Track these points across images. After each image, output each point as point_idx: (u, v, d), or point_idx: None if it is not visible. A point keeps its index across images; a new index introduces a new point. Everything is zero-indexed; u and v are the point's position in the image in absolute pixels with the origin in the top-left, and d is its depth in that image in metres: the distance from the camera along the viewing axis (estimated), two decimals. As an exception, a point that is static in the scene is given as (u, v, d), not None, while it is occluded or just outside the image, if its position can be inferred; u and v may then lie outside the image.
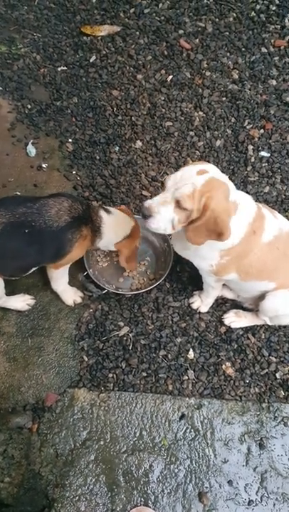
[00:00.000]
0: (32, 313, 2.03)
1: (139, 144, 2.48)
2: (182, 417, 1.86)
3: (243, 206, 1.58)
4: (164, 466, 1.79)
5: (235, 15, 2.88)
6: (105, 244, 1.90)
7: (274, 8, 2.92)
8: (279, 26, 2.85)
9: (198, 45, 2.77)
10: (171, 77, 2.67)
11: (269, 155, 2.46)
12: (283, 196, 2.36)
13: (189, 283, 2.13)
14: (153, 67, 2.71)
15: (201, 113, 2.58)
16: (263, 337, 2.03)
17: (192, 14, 2.88)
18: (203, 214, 1.44)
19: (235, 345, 2.01)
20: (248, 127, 2.54)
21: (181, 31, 2.81)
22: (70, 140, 2.49)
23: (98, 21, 2.85)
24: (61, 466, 1.76)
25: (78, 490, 1.73)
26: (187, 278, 2.14)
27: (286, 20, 2.87)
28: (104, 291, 2.05)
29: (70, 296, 2.03)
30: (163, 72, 2.69)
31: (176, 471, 1.79)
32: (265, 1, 2.94)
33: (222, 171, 2.38)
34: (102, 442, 1.81)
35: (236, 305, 2.10)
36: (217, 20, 2.86)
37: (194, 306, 2.05)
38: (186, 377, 1.93)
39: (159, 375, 1.92)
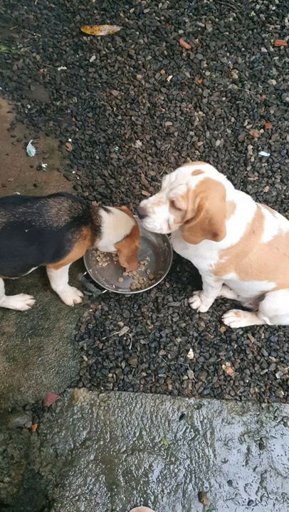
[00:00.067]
0: (32, 313, 2.03)
1: (138, 143, 2.48)
2: (182, 416, 1.86)
3: (241, 206, 1.58)
4: (164, 466, 1.79)
5: (235, 15, 2.88)
6: (105, 245, 1.90)
7: (274, 8, 2.92)
8: (279, 26, 2.85)
9: (198, 45, 2.77)
10: (171, 77, 2.67)
11: (269, 155, 2.46)
12: (283, 196, 2.36)
13: (189, 283, 2.13)
14: (153, 67, 2.71)
15: (200, 113, 2.58)
16: (262, 337, 2.03)
17: (192, 14, 2.88)
18: (198, 214, 1.44)
19: (235, 345, 2.01)
20: (247, 127, 2.54)
21: (180, 31, 2.81)
22: (69, 140, 2.49)
23: (98, 21, 2.85)
24: (61, 466, 1.76)
25: (78, 490, 1.73)
26: (187, 278, 2.14)
27: (286, 20, 2.87)
28: (104, 291, 2.05)
29: (70, 296, 2.03)
30: (163, 72, 2.69)
31: (175, 471, 1.79)
32: (264, 1, 2.94)
33: (222, 171, 2.41)
34: (101, 442, 1.81)
35: (236, 305, 2.10)
36: (217, 20, 2.86)
37: (194, 305, 2.05)
38: (186, 377, 1.93)
39: (159, 375, 1.92)
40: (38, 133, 2.50)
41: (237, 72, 2.70)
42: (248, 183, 2.38)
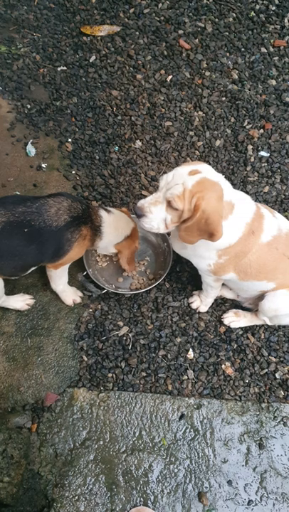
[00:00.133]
0: (31, 313, 2.03)
1: (138, 143, 2.48)
2: (182, 416, 1.86)
3: (240, 206, 1.58)
4: (164, 466, 1.79)
5: (234, 15, 2.89)
6: (105, 245, 1.90)
7: (273, 8, 2.92)
8: (278, 26, 2.85)
9: (197, 45, 2.77)
10: (170, 77, 2.67)
11: (268, 155, 2.47)
12: (283, 196, 2.36)
13: (189, 283, 2.13)
14: (152, 67, 2.71)
15: (200, 113, 2.58)
16: (262, 337, 2.03)
17: (192, 14, 2.88)
18: (194, 214, 1.45)
19: (235, 345, 2.01)
20: (247, 127, 2.54)
21: (180, 31, 2.82)
22: (69, 140, 2.49)
23: (98, 21, 2.86)
24: (60, 466, 1.76)
25: (78, 490, 1.73)
26: (187, 278, 2.14)
27: (285, 21, 2.87)
28: (103, 291, 2.05)
29: (70, 295, 2.03)
30: (162, 72, 2.69)
31: (175, 471, 1.79)
32: (264, 1, 2.94)
33: (222, 171, 2.41)
34: (101, 442, 1.81)
35: (236, 305, 2.10)
36: (217, 20, 2.87)
37: (194, 305, 2.05)
38: (186, 377, 1.93)
39: (159, 375, 1.92)
40: (37, 133, 2.50)
41: (237, 72, 2.70)
42: (248, 183, 2.38)
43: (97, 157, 2.44)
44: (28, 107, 2.57)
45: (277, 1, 2.94)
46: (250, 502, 1.76)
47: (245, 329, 2.04)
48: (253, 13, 2.90)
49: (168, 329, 2.01)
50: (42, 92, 2.63)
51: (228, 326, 2.02)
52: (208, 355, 1.97)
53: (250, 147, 2.48)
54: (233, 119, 2.57)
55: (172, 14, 2.87)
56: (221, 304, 2.11)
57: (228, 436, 1.84)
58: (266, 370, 1.96)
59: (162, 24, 2.85)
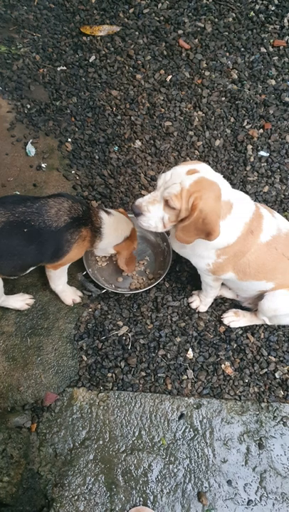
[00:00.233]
0: (31, 313, 2.03)
1: (138, 143, 2.48)
2: (181, 416, 1.86)
3: (238, 206, 1.58)
4: (163, 465, 1.79)
5: (234, 15, 2.89)
6: (105, 246, 1.90)
7: (273, 8, 2.92)
8: (278, 26, 2.85)
9: (197, 45, 2.77)
10: (170, 77, 2.67)
11: (268, 155, 2.47)
12: (282, 196, 2.36)
13: (188, 282, 2.13)
14: (152, 67, 2.71)
15: (200, 113, 2.58)
16: (262, 336, 2.03)
17: (191, 14, 2.88)
18: (192, 214, 1.45)
19: (235, 345, 2.01)
20: (247, 127, 2.54)
21: (180, 31, 2.82)
22: (69, 140, 2.49)
23: (97, 21, 2.86)
24: (60, 466, 1.76)
25: (77, 489, 1.73)
26: (186, 277, 2.14)
27: (285, 21, 2.87)
28: (103, 291, 2.05)
29: (69, 295, 2.03)
30: (162, 72, 2.69)
31: (175, 470, 1.79)
32: (264, 1, 2.94)
33: (221, 171, 2.41)
34: (101, 442, 1.81)
35: (235, 304, 2.10)
36: (216, 20, 2.87)
37: (193, 305, 2.05)
38: (186, 377, 1.93)
39: (158, 375, 1.92)
40: (37, 133, 2.50)
41: (236, 72, 2.70)
42: (248, 183, 2.38)
43: (97, 157, 2.44)
44: (28, 106, 2.57)
45: (276, 1, 2.94)
46: (249, 502, 1.76)
47: (245, 329, 2.04)
48: (252, 13, 2.90)
49: (167, 329, 2.01)
50: (42, 92, 2.63)
51: (228, 326, 2.02)
52: (208, 355, 1.97)
53: (249, 147, 2.48)
54: (232, 119, 2.57)
55: (172, 14, 2.87)
56: (221, 304, 2.11)
57: (228, 436, 1.84)
58: (266, 370, 1.96)
59: (162, 24, 2.85)
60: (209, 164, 2.27)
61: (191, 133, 2.52)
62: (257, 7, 2.92)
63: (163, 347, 1.98)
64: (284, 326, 2.05)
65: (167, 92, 2.63)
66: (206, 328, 2.04)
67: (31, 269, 1.83)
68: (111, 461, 1.78)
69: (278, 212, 2.02)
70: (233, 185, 2.32)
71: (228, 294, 2.08)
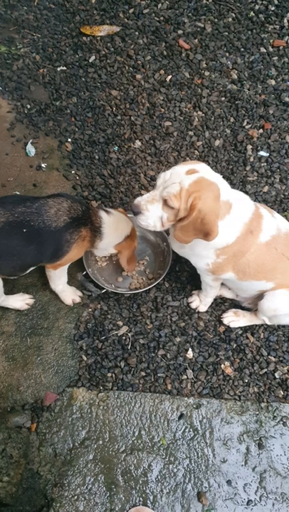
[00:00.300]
0: (31, 313, 2.03)
1: (138, 143, 2.49)
2: (181, 416, 1.86)
3: (237, 206, 1.58)
4: (163, 465, 1.79)
5: (234, 15, 2.89)
6: (105, 246, 1.89)
7: (273, 8, 2.92)
8: (278, 26, 2.85)
9: (197, 45, 2.78)
10: (170, 77, 2.68)
11: (268, 155, 2.47)
12: (282, 196, 2.36)
13: (188, 282, 2.13)
14: (152, 67, 2.71)
15: (200, 113, 2.58)
16: (261, 336, 2.03)
17: (191, 14, 2.88)
18: (190, 214, 1.45)
19: (234, 345, 2.01)
20: (247, 127, 2.54)
21: (180, 31, 2.82)
22: (69, 140, 2.49)
23: (97, 21, 2.86)
24: (60, 466, 1.76)
25: (77, 489, 1.73)
26: (186, 277, 2.14)
27: (285, 21, 2.87)
28: (103, 291, 2.05)
29: (69, 295, 2.03)
30: (162, 72, 2.70)
31: (174, 470, 1.79)
32: (264, 2, 2.94)
33: (221, 171, 2.41)
34: (100, 442, 1.81)
35: (235, 304, 2.10)
36: (216, 20, 2.87)
37: (193, 305, 2.05)
38: (185, 377, 1.93)
39: (158, 375, 1.92)
40: (37, 133, 2.51)
41: (236, 72, 2.70)
42: (247, 183, 2.38)
43: (97, 157, 2.44)
44: (28, 107, 2.57)
45: (276, 1, 2.94)
46: (249, 502, 1.76)
47: (245, 329, 2.04)
48: (252, 14, 2.90)
49: (167, 329, 2.01)
50: (42, 92, 2.63)
51: (228, 326, 2.02)
52: (208, 355, 1.97)
53: (249, 147, 2.48)
54: (232, 119, 2.57)
55: (172, 14, 2.87)
56: (221, 304, 2.11)
57: (228, 436, 1.84)
58: (265, 370, 1.96)
59: (162, 24, 2.85)
60: (209, 164, 2.28)
61: (190, 133, 2.52)
62: (257, 7, 2.92)
63: (163, 347, 1.98)
64: (284, 326, 2.05)
65: (167, 92, 2.63)
66: (206, 328, 2.04)
67: (31, 269, 1.83)
68: (111, 461, 1.78)
69: (278, 212, 2.03)
70: (233, 185, 2.32)
71: (227, 294, 2.08)
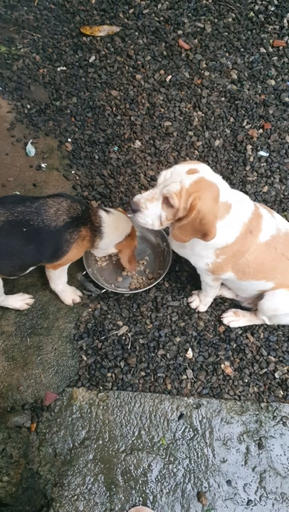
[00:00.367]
0: (31, 313, 2.03)
1: (138, 143, 2.49)
2: (181, 416, 1.86)
3: (237, 206, 1.58)
4: (163, 465, 1.79)
5: (234, 15, 2.89)
6: (106, 246, 1.89)
7: (273, 8, 2.92)
8: (278, 27, 2.85)
9: (197, 46, 2.78)
10: (170, 77, 2.68)
11: (268, 155, 2.47)
12: (282, 196, 2.36)
13: (188, 282, 2.13)
14: (152, 67, 2.71)
15: (200, 113, 2.58)
16: (261, 336, 2.03)
17: (191, 15, 2.88)
18: (190, 214, 1.45)
19: (234, 345, 2.01)
20: (246, 127, 2.55)
21: (180, 31, 2.82)
22: (69, 140, 2.49)
23: (97, 22, 2.86)
24: (60, 466, 1.76)
25: (77, 489, 1.73)
26: (186, 277, 2.14)
27: (285, 21, 2.87)
28: (103, 291, 2.05)
29: (69, 295, 2.03)
30: (162, 72, 2.70)
31: (174, 470, 1.78)
32: (263, 2, 2.95)
33: (221, 171, 2.42)
34: (100, 442, 1.81)
35: (235, 304, 2.10)
36: (216, 20, 2.87)
37: (193, 305, 2.05)
38: (185, 377, 1.93)
39: (158, 375, 1.92)
40: (37, 133, 2.51)
41: (236, 72, 2.70)
42: (247, 183, 2.38)
43: (97, 157, 2.44)
44: (28, 107, 2.57)
45: (276, 2, 2.94)
46: (249, 502, 1.76)
47: (245, 329, 2.04)
48: (252, 14, 2.90)
49: (167, 329, 2.01)
50: (42, 92, 2.63)
51: (228, 326, 2.02)
52: (208, 355, 1.97)
53: (249, 147, 2.48)
54: (232, 119, 2.57)
55: (172, 14, 2.87)
56: (221, 304, 2.11)
57: (228, 436, 1.84)
58: (265, 370, 1.96)
59: (162, 24, 2.85)
60: (209, 164, 2.28)
61: (190, 133, 2.52)
62: (256, 7, 2.92)
63: (162, 347, 1.97)
64: (283, 326, 2.05)
65: (167, 92, 2.63)
66: (206, 327, 2.04)
67: (31, 269, 1.83)
68: (110, 461, 1.78)
69: (278, 212, 2.03)
70: (233, 185, 2.32)
71: (227, 294, 2.08)
